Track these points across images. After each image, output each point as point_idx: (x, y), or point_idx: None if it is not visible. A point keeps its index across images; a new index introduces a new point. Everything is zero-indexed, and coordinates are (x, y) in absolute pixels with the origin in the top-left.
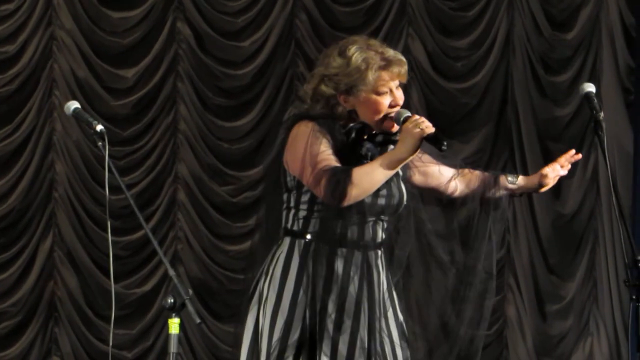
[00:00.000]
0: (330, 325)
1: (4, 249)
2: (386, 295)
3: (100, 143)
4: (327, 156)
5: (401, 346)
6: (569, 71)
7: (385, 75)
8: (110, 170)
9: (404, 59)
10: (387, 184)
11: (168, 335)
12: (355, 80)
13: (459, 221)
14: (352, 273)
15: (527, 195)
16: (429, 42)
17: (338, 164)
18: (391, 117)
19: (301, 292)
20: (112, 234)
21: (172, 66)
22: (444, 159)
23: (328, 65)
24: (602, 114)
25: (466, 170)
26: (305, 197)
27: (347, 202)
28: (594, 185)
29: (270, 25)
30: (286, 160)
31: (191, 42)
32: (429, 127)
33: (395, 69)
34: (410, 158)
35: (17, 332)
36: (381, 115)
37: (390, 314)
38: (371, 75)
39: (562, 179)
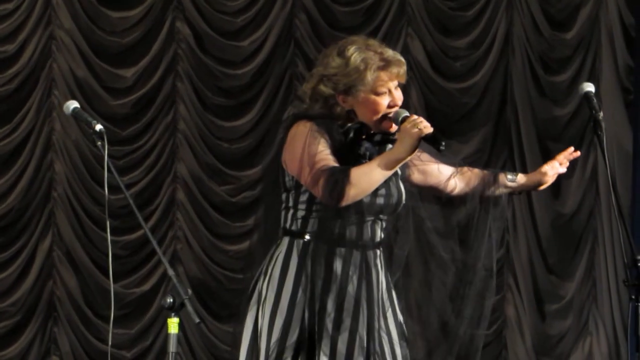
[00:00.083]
0: (329, 325)
1: (3, 249)
2: (385, 295)
3: (99, 142)
4: (325, 156)
5: (400, 345)
6: (568, 71)
7: (384, 75)
8: (109, 170)
9: (402, 59)
10: (386, 183)
11: (167, 335)
12: (354, 80)
13: (459, 219)
14: (350, 273)
15: (527, 194)
16: (428, 42)
17: (336, 164)
18: (389, 117)
19: (300, 291)
20: (111, 234)
21: (171, 66)
22: (443, 157)
23: (327, 65)
24: (601, 114)
25: (465, 169)
26: (303, 197)
27: (345, 202)
28: (593, 184)
29: (269, 25)
30: (284, 160)
31: (190, 41)
32: (427, 127)
33: (394, 70)
34: (409, 158)
35: (16, 332)
36: (380, 115)
37: (389, 313)
38: (370, 76)
39: (561, 179)
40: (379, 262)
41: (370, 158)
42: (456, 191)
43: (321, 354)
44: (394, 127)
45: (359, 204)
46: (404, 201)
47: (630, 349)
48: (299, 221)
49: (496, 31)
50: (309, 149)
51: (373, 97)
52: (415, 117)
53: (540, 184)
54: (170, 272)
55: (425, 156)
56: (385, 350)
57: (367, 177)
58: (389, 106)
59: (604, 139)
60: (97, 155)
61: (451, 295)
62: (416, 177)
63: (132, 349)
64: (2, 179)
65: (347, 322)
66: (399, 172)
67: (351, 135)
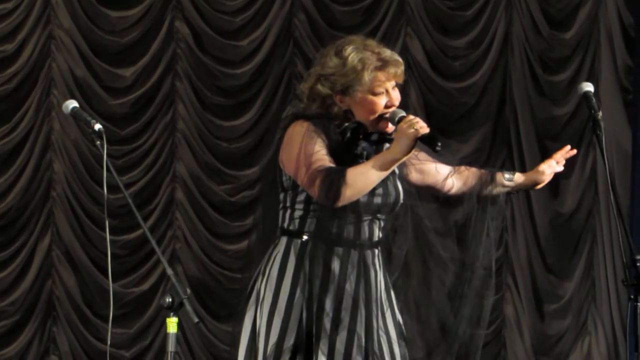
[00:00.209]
0: (327, 324)
1: (2, 248)
2: (384, 295)
3: (98, 142)
4: (322, 156)
5: (399, 345)
6: (567, 70)
7: (381, 75)
8: (108, 169)
9: (400, 59)
10: (384, 182)
11: (166, 334)
12: (351, 80)
13: (457, 219)
14: (348, 272)
15: (525, 194)
16: (427, 42)
17: (332, 164)
18: (386, 118)
19: (298, 291)
20: (110, 233)
21: (170, 65)
22: (440, 156)
23: (324, 65)
24: (600, 114)
25: (463, 168)
26: (301, 197)
27: (341, 203)
28: (592, 184)
29: (268, 24)
30: (282, 160)
31: (189, 41)
32: (423, 128)
33: (392, 70)
34: (405, 158)
35: (15, 331)
36: (377, 115)
37: (388, 313)
38: (367, 76)
39: (560, 178)
40: (377, 262)
41: (368, 158)
42: (453, 190)
43: (319, 353)
44: (391, 128)
45: (355, 204)
46: (401, 200)
47: (629, 348)
48: (297, 221)
49: (495, 31)
50: (306, 149)
51: (370, 97)
52: (411, 117)
53: (538, 182)
54: (169, 271)
55: (423, 155)
56: (384, 350)
57: (363, 178)
58: (386, 106)
59: (603, 139)
60: (96, 155)
61: (450, 294)
62: (414, 176)
63: (131, 348)
64: (1, 178)
65: (345, 321)
66: (397, 171)
67: (348, 135)
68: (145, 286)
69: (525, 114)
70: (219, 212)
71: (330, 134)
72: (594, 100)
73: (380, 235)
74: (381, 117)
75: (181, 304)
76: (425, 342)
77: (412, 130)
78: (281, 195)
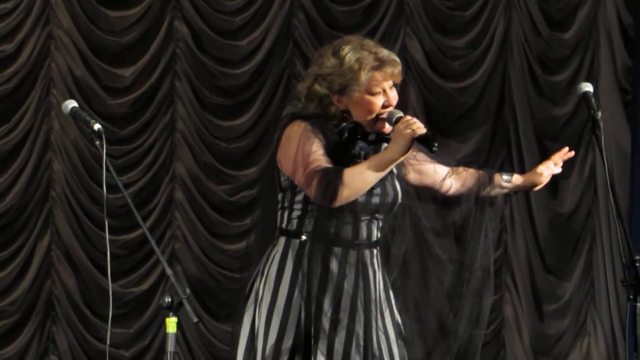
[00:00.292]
0: (326, 324)
1: (2, 248)
2: (383, 295)
3: (97, 142)
4: (319, 156)
5: (398, 345)
6: (566, 71)
7: (378, 75)
8: (107, 169)
9: (397, 59)
10: (382, 182)
11: (165, 334)
12: (348, 80)
13: (455, 220)
14: (347, 272)
15: (525, 194)
16: (426, 42)
17: (329, 165)
18: (384, 118)
19: (296, 291)
20: (109, 233)
21: (169, 65)
22: (438, 157)
23: (322, 65)
24: (599, 114)
25: (461, 169)
26: (299, 197)
27: (338, 203)
28: (591, 184)
29: (267, 24)
30: (279, 160)
31: (189, 41)
32: (420, 128)
33: (389, 69)
34: (401, 159)
35: (14, 331)
36: (374, 115)
37: (386, 313)
38: (364, 76)
39: (559, 178)
40: (376, 262)
41: (366, 158)
42: (451, 191)
43: (318, 353)
44: (388, 128)
45: (352, 204)
46: (399, 200)
47: (628, 348)
48: (295, 221)
49: (494, 31)
50: (303, 149)
51: (367, 97)
52: (408, 117)
53: (536, 184)
54: (169, 271)
55: (421, 156)
56: (382, 350)
57: (360, 178)
58: (384, 106)
59: (602, 139)
60: (95, 155)
61: (449, 294)
62: (412, 176)
63: (130, 348)
64: (0, 178)
65: (344, 321)
66: (395, 171)
67: (346, 135)
68: (145, 286)
69: (524, 114)
70: (218, 212)
71: (328, 134)
72: (593, 100)
73: (379, 235)
74: (378, 117)
75: (180, 304)
76: (424, 342)
77: (409, 130)
78: (279, 196)
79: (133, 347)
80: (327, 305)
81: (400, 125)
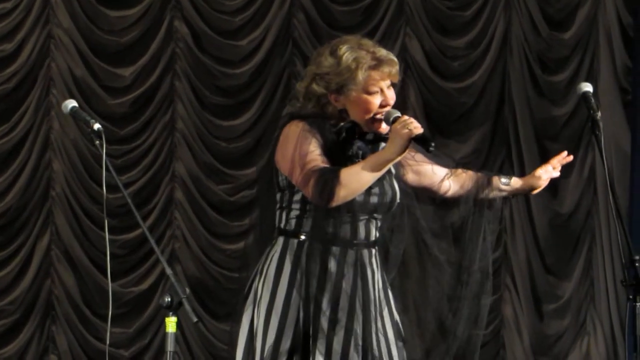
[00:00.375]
0: (324, 324)
1: (1, 247)
2: (382, 294)
3: (97, 142)
4: (316, 156)
5: (397, 345)
6: (566, 71)
7: (375, 74)
8: (107, 169)
9: (395, 58)
10: (380, 182)
11: (165, 334)
12: (345, 79)
13: (453, 222)
14: (345, 272)
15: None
16: (426, 42)
17: (327, 165)
18: (381, 118)
19: (295, 291)
20: (109, 233)
21: (169, 65)
22: (437, 158)
23: (319, 64)
24: (599, 114)
25: (459, 170)
26: (297, 197)
27: (335, 203)
28: (591, 184)
29: (267, 24)
30: (277, 160)
31: (188, 40)
32: (417, 128)
33: (386, 69)
34: (398, 159)
35: (14, 331)
36: (371, 114)
37: (385, 312)
38: (361, 75)
39: (559, 178)
40: (375, 261)
41: (364, 157)
42: (450, 193)
43: (317, 353)
44: (385, 128)
45: (350, 203)
46: (398, 200)
47: (628, 348)
48: (293, 221)
49: (494, 31)
50: (300, 149)
51: (364, 96)
52: (406, 117)
53: (534, 187)
54: (168, 271)
55: (419, 157)
56: (382, 349)
57: (357, 178)
58: (381, 106)
59: (601, 139)
60: (95, 154)
61: (447, 295)
62: (410, 177)
63: (130, 347)
64: (0, 177)
65: (342, 321)
66: (393, 170)
67: (343, 134)
68: (145, 286)
69: (524, 114)
70: (218, 211)
71: (326, 134)
72: (593, 100)
73: (377, 234)
74: (376, 117)
75: (180, 304)
76: (423, 342)
77: (406, 130)
78: (278, 195)
79: (133, 347)
80: (325, 304)
81: (397, 125)
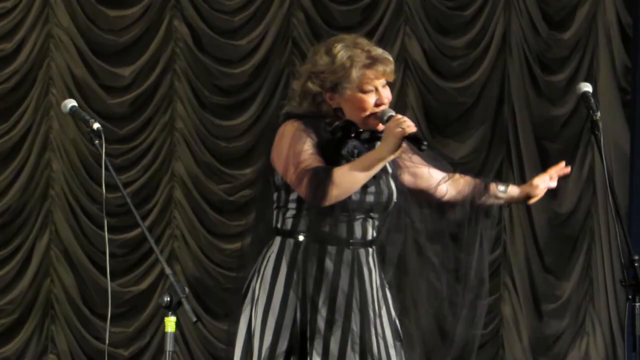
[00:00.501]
0: (321, 324)
1: (1, 247)
2: (379, 294)
3: (97, 141)
4: (310, 156)
5: (394, 345)
6: (565, 71)
7: (369, 73)
8: (107, 169)
9: (390, 57)
10: (376, 181)
11: (164, 334)
12: (340, 77)
13: (449, 227)
14: (342, 271)
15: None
16: (425, 41)
17: (321, 164)
18: (375, 116)
19: (291, 291)
20: (108, 232)
21: (169, 64)
22: (434, 161)
23: (315, 63)
24: (598, 114)
25: (457, 175)
26: (293, 196)
27: (328, 202)
28: (590, 184)
29: (267, 23)
30: (273, 160)
31: (188, 40)
32: (410, 127)
33: (380, 68)
34: (391, 157)
35: (13, 330)
36: (366, 113)
37: (383, 311)
38: (355, 73)
39: (558, 178)
40: (372, 261)
41: (359, 155)
42: (447, 197)
43: (314, 353)
44: (380, 126)
45: (346, 202)
46: (394, 199)
47: (627, 348)
48: (290, 220)
49: (494, 31)
50: (294, 149)
51: (359, 94)
52: (399, 116)
53: (531, 196)
54: (168, 270)
55: (417, 159)
56: (380, 349)
57: (350, 177)
58: (376, 104)
59: (601, 139)
60: (94, 154)
61: (443, 297)
62: (406, 178)
63: (129, 347)
64: None
65: (339, 320)
66: (390, 169)
67: (339, 133)
68: (144, 285)
69: (523, 114)
70: (217, 211)
71: (321, 133)
72: (592, 100)
73: (374, 234)
74: (370, 115)
75: (179, 303)
76: (421, 342)
77: (399, 129)
78: (274, 195)
79: (132, 346)
80: (322, 304)
81: (390, 124)
